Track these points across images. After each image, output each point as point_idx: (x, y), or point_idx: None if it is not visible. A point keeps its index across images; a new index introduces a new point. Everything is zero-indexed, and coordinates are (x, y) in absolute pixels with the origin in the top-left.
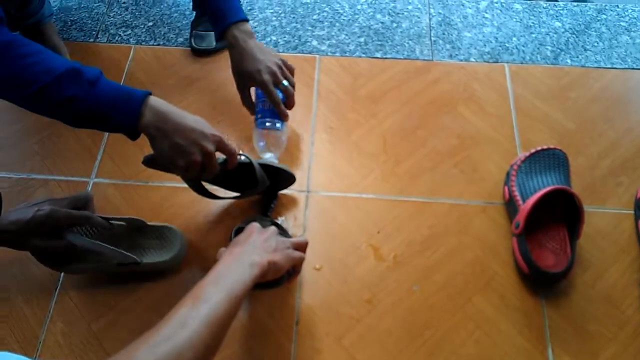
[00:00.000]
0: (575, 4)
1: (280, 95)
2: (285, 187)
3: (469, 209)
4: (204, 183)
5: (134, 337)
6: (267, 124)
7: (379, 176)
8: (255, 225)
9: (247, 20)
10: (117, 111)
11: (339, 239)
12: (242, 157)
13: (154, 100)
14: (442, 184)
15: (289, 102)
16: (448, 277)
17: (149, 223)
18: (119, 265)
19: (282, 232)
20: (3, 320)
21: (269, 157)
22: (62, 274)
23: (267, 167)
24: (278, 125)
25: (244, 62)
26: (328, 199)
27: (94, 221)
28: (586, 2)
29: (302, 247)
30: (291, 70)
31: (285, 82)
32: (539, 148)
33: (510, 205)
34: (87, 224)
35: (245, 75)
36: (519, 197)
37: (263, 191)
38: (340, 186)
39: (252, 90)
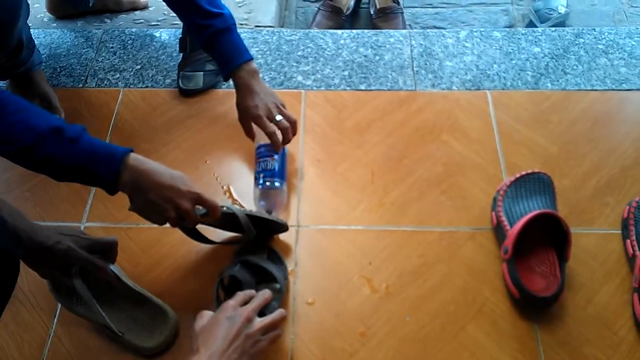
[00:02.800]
0: (553, 29)
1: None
2: (277, 233)
3: (457, 235)
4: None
5: None
6: (267, 183)
7: (367, 207)
8: (225, 314)
9: (252, 59)
10: (96, 170)
11: (331, 272)
12: (224, 208)
13: (134, 159)
14: (430, 212)
15: (285, 136)
16: (440, 306)
17: (154, 300)
18: (103, 327)
19: (277, 261)
20: None
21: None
22: (54, 324)
23: (256, 218)
24: (277, 184)
25: (245, 98)
26: (318, 232)
27: (102, 275)
28: (564, 27)
29: (276, 324)
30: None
31: (279, 117)
32: (523, 172)
33: (498, 231)
34: (96, 273)
35: (244, 109)
36: (506, 222)
37: (255, 238)
38: (330, 219)
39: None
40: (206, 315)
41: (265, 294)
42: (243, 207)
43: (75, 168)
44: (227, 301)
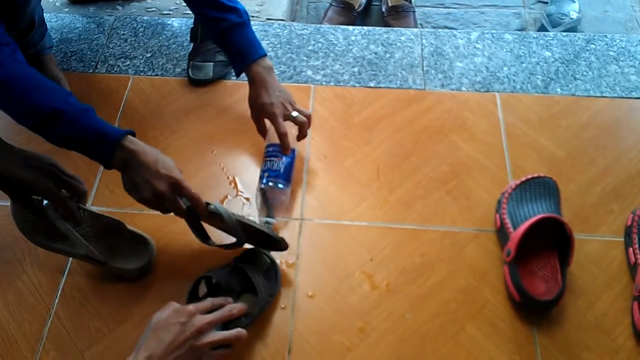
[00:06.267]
0: (564, 34)
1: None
2: (275, 250)
3: (461, 236)
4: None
5: None
6: (270, 183)
7: (371, 203)
8: (180, 318)
9: (266, 55)
10: (92, 150)
11: (332, 267)
12: (212, 207)
13: (129, 141)
14: (434, 211)
15: (301, 131)
16: (440, 305)
17: (128, 227)
18: (86, 257)
19: (272, 278)
20: None
21: (265, 219)
22: (55, 304)
23: (249, 227)
24: (280, 185)
25: (259, 94)
26: (321, 227)
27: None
28: (575, 32)
29: (230, 342)
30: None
31: (295, 113)
32: (529, 176)
33: (502, 233)
34: (71, 192)
35: (258, 106)
36: (509, 225)
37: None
38: (334, 213)
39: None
40: (169, 309)
41: (233, 309)
42: (248, 199)
43: (72, 146)
44: (188, 305)
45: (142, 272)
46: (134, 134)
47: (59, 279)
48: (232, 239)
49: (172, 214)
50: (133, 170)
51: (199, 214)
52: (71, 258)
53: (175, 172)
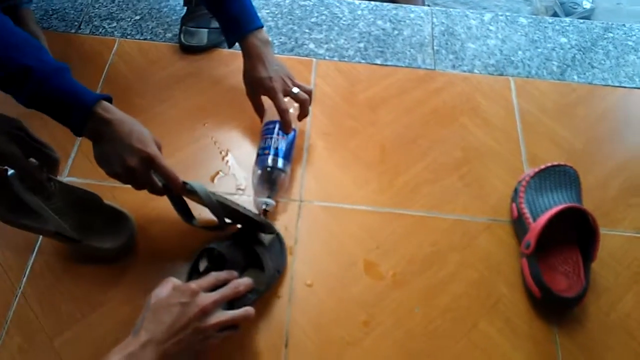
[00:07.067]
0: (581, 21)
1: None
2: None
3: (473, 225)
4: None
5: (100, 354)
6: (271, 161)
7: (376, 187)
8: (181, 298)
9: (263, 27)
10: (62, 114)
11: (334, 253)
12: (188, 186)
13: (103, 108)
14: (443, 198)
15: (303, 109)
16: (452, 299)
17: (105, 202)
18: (57, 235)
19: (278, 250)
20: None
21: (264, 200)
22: (22, 284)
23: (231, 209)
24: (281, 165)
25: (256, 68)
26: (322, 210)
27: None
28: (591, 20)
29: (236, 322)
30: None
31: (296, 89)
32: (549, 164)
33: (519, 224)
34: (40, 161)
35: (256, 81)
36: (528, 215)
37: (241, 230)
38: (336, 196)
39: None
40: (167, 286)
41: (239, 285)
42: (244, 179)
43: (40, 108)
44: (190, 282)
45: (121, 252)
46: (110, 100)
47: (28, 257)
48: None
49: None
50: (105, 141)
51: (175, 193)
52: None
53: (151, 146)
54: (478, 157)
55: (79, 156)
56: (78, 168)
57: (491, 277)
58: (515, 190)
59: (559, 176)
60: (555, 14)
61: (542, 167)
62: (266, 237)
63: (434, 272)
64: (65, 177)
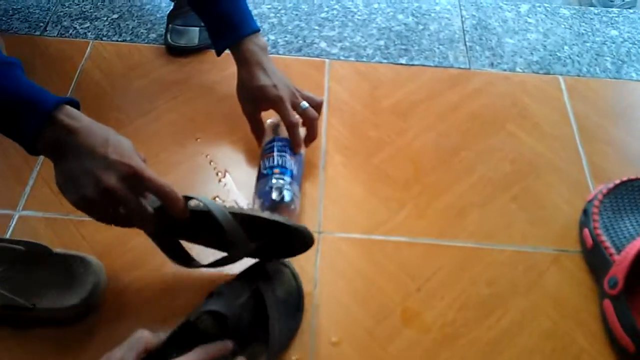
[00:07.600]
0: (631, 10)
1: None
2: (297, 249)
3: (536, 257)
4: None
5: None
6: (280, 181)
7: (412, 212)
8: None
9: (259, 30)
10: (12, 120)
11: (364, 300)
12: (193, 203)
13: (66, 114)
14: (497, 224)
15: (310, 131)
16: (520, 356)
17: (55, 251)
18: (5, 309)
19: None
20: None
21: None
22: None
23: (251, 219)
24: (287, 197)
25: (256, 76)
26: (346, 243)
27: None
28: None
29: None
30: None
31: (305, 104)
32: (625, 179)
33: (595, 255)
34: None
35: (257, 91)
36: (608, 244)
37: (261, 254)
38: (362, 225)
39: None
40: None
41: None
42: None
43: None
44: None
45: (81, 311)
46: (77, 105)
47: None
48: (220, 254)
49: (130, 224)
50: (70, 157)
51: (175, 218)
52: None
53: (134, 158)
54: (533, 171)
55: (38, 184)
56: (37, 199)
57: (567, 325)
58: (585, 213)
59: (638, 194)
60: (591, 5)
61: (617, 182)
62: (288, 285)
63: (494, 321)
64: (19, 211)
